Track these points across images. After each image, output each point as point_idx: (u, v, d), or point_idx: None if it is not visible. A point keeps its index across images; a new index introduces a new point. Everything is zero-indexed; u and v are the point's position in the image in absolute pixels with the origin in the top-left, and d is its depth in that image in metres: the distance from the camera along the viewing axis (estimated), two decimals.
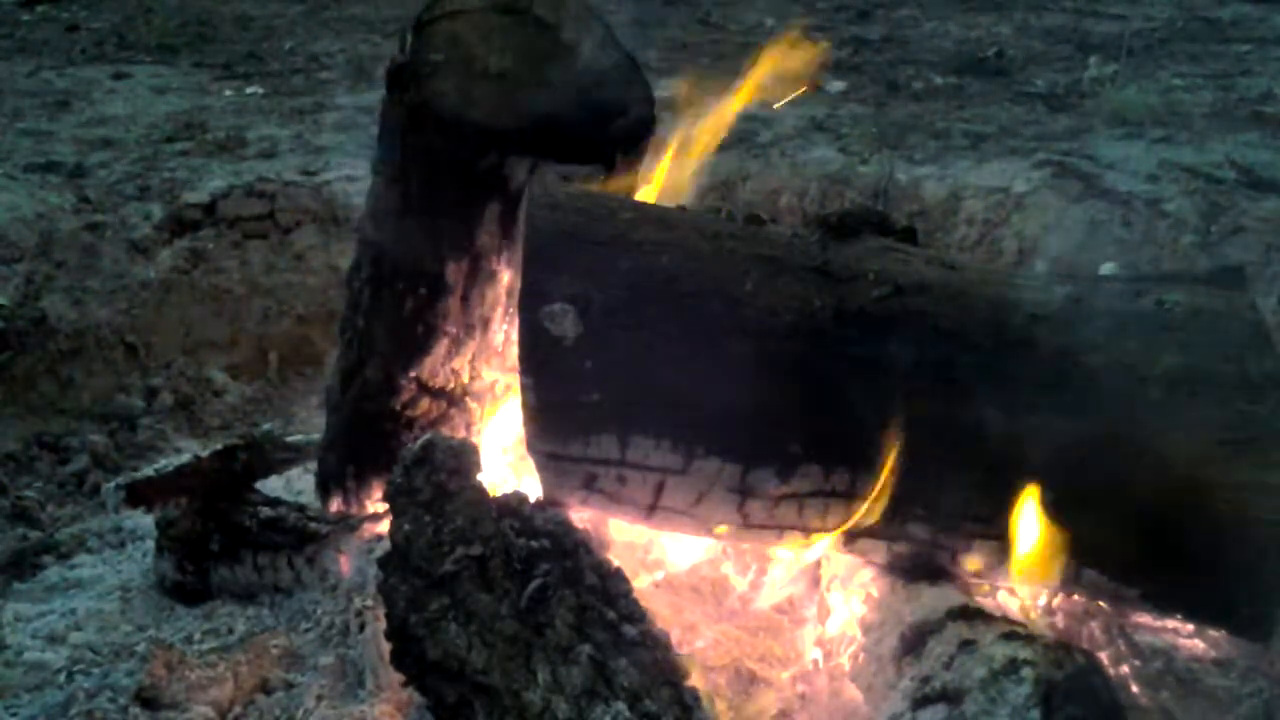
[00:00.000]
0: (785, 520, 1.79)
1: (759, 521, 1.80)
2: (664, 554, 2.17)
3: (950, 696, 1.61)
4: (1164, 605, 1.85)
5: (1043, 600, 1.99)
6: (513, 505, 1.68)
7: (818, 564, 2.06)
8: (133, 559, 2.50)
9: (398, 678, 1.67)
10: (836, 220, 1.89)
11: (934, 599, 1.79)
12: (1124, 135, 4.47)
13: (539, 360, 1.71)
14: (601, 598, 1.61)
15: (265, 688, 1.97)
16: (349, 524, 2.19)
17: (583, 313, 1.70)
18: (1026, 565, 1.76)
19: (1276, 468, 1.68)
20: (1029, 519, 1.73)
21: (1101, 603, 1.93)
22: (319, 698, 1.91)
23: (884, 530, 1.79)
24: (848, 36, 6.17)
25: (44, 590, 2.42)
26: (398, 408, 2.13)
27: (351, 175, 4.09)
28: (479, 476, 1.71)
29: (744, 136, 4.46)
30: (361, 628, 2.00)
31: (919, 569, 1.84)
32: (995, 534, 1.77)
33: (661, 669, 1.57)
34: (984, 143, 4.46)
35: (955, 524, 1.78)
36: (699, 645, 1.98)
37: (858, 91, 5.21)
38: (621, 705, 1.49)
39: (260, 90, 5.34)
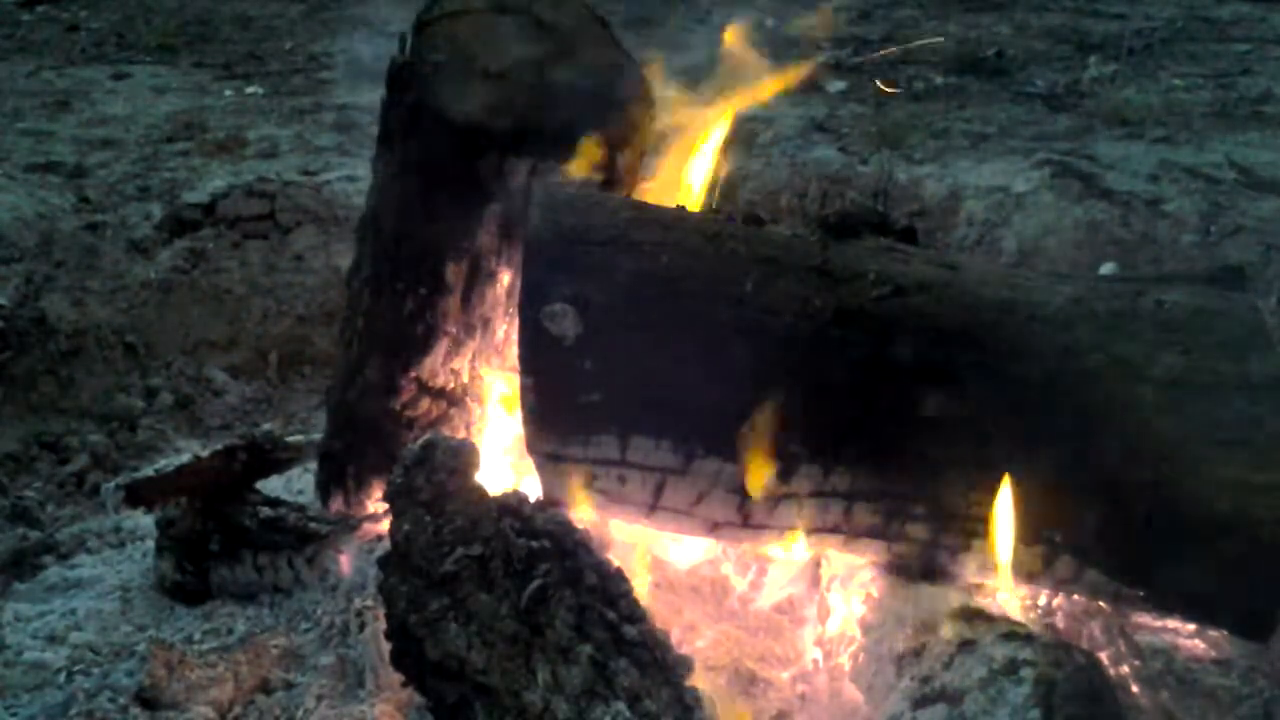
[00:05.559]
0: (785, 520, 1.79)
1: (759, 521, 1.80)
2: (664, 554, 2.17)
3: (950, 696, 1.61)
4: (1164, 605, 1.85)
5: (1043, 600, 1.99)
6: (513, 505, 1.68)
7: (818, 564, 2.06)
8: (133, 559, 2.50)
9: (398, 678, 1.67)
10: (836, 220, 1.89)
11: (934, 599, 1.79)
12: (1124, 135, 4.47)
13: (539, 360, 1.71)
14: (601, 598, 1.60)
15: (265, 688, 1.97)
16: (349, 524, 2.19)
17: (583, 313, 1.70)
18: (1025, 565, 1.76)
19: (1276, 468, 1.68)
20: (1029, 518, 1.73)
21: (1101, 603, 1.93)
22: (319, 698, 1.90)
23: (884, 530, 1.79)
24: (847, 36, 6.16)
25: (44, 590, 2.42)
26: (398, 408, 2.14)
27: (351, 175, 4.09)
28: (479, 476, 1.71)
29: (744, 136, 4.46)
30: (361, 628, 2.00)
31: (919, 569, 1.84)
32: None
33: (661, 669, 1.57)
34: (984, 143, 4.46)
35: (955, 524, 1.78)
36: (699, 645, 1.98)
37: (858, 91, 5.21)
38: (621, 705, 1.49)
39: (260, 90, 5.35)
